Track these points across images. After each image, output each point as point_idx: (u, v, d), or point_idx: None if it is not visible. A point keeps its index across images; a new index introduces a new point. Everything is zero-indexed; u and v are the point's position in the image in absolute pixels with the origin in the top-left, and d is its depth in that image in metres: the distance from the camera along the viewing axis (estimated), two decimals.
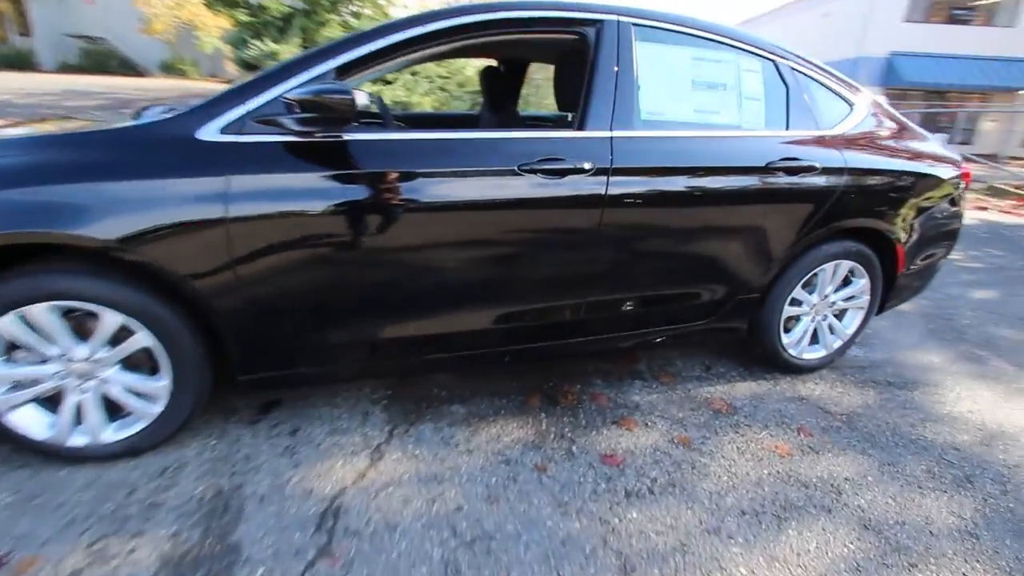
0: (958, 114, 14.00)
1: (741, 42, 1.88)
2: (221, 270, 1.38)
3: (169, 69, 21.36)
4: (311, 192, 1.40)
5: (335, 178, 1.42)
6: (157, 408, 1.52)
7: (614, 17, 1.70)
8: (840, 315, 2.29)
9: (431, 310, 1.65)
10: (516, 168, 1.54)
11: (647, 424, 1.88)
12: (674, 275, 1.89)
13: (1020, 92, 16.65)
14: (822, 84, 2.03)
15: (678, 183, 1.73)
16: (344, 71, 1.46)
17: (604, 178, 1.63)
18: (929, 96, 18.23)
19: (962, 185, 2.31)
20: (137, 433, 1.53)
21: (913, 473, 1.71)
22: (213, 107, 1.38)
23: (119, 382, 1.48)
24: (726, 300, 1.99)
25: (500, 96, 2.74)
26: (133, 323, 1.40)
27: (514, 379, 2.12)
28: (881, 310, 2.36)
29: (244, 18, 11.53)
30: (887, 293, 2.30)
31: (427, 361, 1.74)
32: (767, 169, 1.83)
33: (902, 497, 1.59)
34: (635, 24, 1.72)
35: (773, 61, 1.93)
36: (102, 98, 11.98)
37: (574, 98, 1.75)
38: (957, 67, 18.81)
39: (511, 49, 2.51)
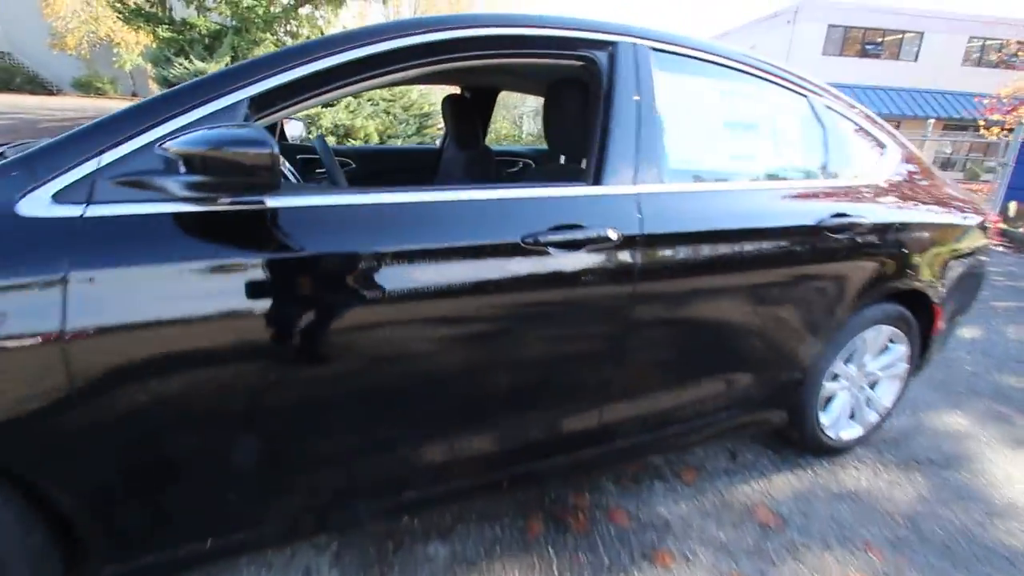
0: None
1: (771, 74, 1.55)
2: (54, 411, 0.85)
3: (84, 87, 19.67)
4: (214, 291, 0.90)
5: (254, 268, 0.92)
6: None
7: (630, 39, 1.31)
8: (874, 386, 1.99)
9: (405, 440, 1.17)
10: (520, 241, 1.10)
11: (687, 556, 1.45)
12: (714, 362, 1.50)
13: (928, 120, 18.18)
14: (854, 122, 1.73)
15: (722, 251, 1.34)
16: (264, 103, 0.98)
17: (633, 250, 1.21)
18: None
19: (989, 232, 2.08)
20: None
21: None
22: (41, 163, 0.85)
23: None
24: (769, 385, 1.62)
25: (468, 129, 2.31)
26: None
27: (505, 491, 1.65)
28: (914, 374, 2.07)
29: (166, 34, 10.61)
30: (921, 357, 2.02)
31: (399, 504, 1.24)
32: (817, 229, 1.48)
33: None
34: (653, 49, 1.34)
35: (806, 97, 1.61)
36: (4, 118, 10.85)
37: (580, 141, 1.35)
38: (873, 97, 20.33)
39: (491, 76, 2.09)
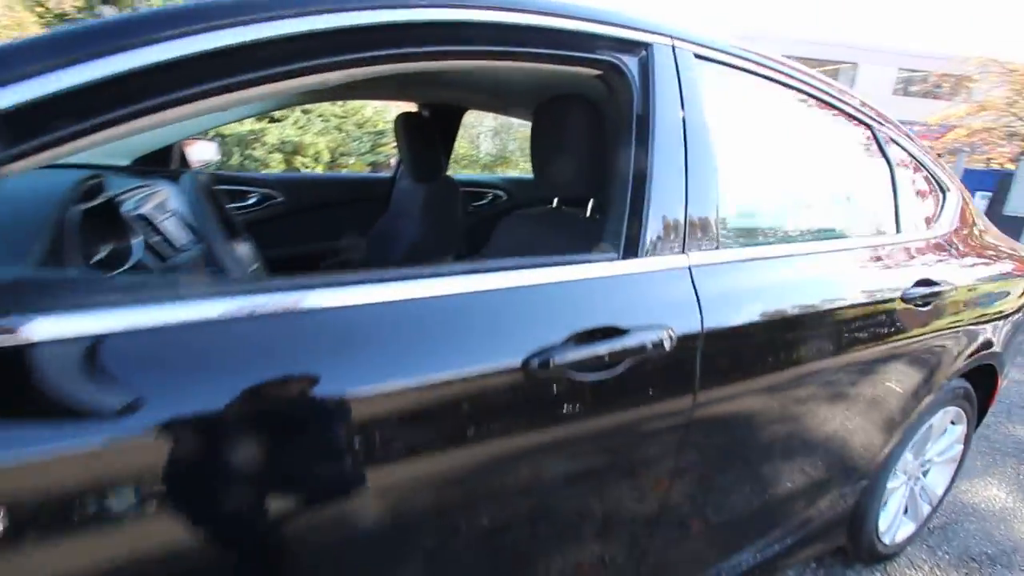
0: None
1: (832, 95, 1.18)
2: None
3: None
4: None
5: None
6: None
7: (667, 40, 0.90)
8: (926, 473, 1.65)
9: None
10: (522, 365, 0.65)
11: None
12: (784, 484, 1.09)
13: None
14: (916, 158, 1.39)
15: (801, 339, 0.95)
16: (31, 123, 0.49)
17: (692, 355, 0.79)
18: None
19: None
20: None
21: None
22: None
23: None
24: (837, 500, 1.23)
25: (426, 156, 1.85)
26: None
27: None
28: None
29: None
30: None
31: None
32: (903, 301, 1.11)
33: None
34: (699, 56, 0.94)
35: (870, 126, 1.26)
36: None
37: (586, 181, 0.95)
38: None
39: (458, 89, 1.64)
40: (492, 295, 0.67)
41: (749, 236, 0.97)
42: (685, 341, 0.78)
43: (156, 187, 1.32)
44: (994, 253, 1.53)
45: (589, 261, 0.77)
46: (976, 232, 1.53)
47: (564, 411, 0.69)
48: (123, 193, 1.18)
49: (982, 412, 1.67)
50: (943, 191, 1.45)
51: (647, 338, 0.73)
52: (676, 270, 0.82)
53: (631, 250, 0.80)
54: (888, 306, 1.09)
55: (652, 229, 0.81)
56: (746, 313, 0.87)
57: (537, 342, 0.66)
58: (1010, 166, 14.26)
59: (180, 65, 0.54)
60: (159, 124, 0.56)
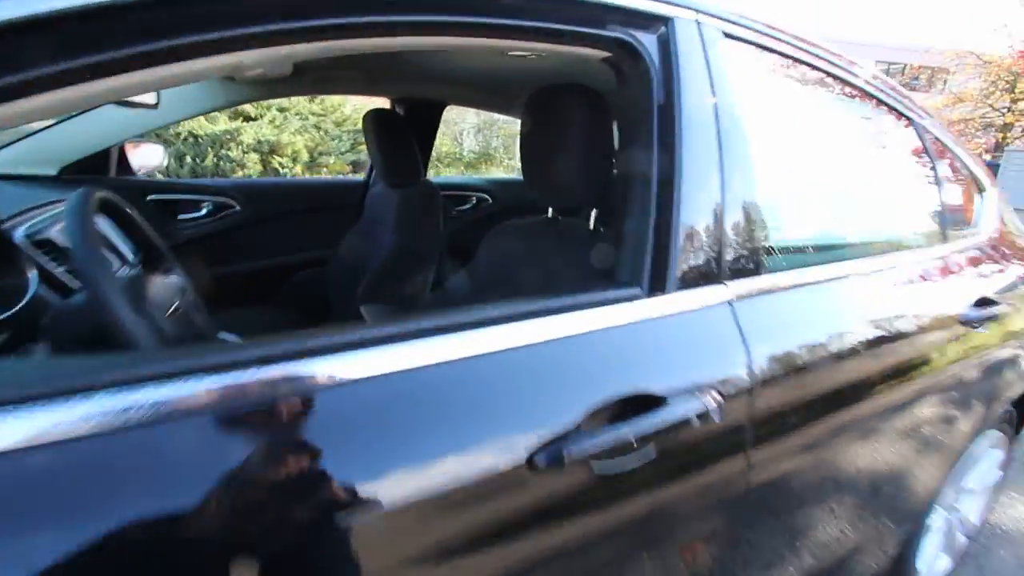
0: None
1: (875, 85, 1.01)
2: None
3: None
4: None
5: None
6: None
7: (690, 14, 0.72)
8: (962, 503, 1.50)
9: None
10: (526, 463, 0.46)
11: None
12: (833, 536, 0.92)
13: None
14: (956, 154, 1.23)
15: (859, 377, 0.78)
16: None
17: (741, 415, 0.61)
18: None
19: None
20: None
21: None
22: None
23: None
24: (881, 546, 1.07)
25: (402, 159, 1.63)
26: None
27: None
28: None
29: None
30: None
31: None
32: (963, 322, 0.95)
33: None
34: (728, 35, 0.76)
35: (913, 121, 1.09)
36: None
37: (587, 187, 0.79)
38: None
39: (435, 82, 1.43)
40: (477, 364, 0.47)
41: (794, 254, 0.79)
42: (734, 399, 0.60)
43: None
44: None
45: (607, 302, 0.58)
46: (1015, 236, 1.38)
47: (583, 512, 0.51)
48: (19, 215, 0.97)
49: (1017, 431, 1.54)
50: (981, 190, 1.29)
51: (689, 408, 0.55)
52: (716, 307, 0.64)
53: (658, 283, 0.62)
54: (948, 330, 0.92)
55: (683, 253, 0.63)
56: (799, 351, 0.69)
57: (544, 428, 0.47)
58: (987, 156, 14.52)
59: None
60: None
